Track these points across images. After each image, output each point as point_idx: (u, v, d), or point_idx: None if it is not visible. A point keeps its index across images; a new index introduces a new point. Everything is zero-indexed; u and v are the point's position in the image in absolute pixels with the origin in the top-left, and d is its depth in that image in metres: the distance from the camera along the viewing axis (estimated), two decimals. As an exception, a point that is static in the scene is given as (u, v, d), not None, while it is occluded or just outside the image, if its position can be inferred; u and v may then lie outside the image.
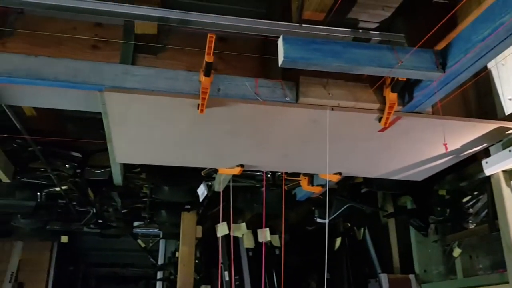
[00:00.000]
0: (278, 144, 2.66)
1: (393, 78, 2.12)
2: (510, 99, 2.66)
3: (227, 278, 4.94)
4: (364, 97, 2.25)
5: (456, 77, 1.98)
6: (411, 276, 4.55)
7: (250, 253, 5.14)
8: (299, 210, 5.23)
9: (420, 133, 2.49)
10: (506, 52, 2.80)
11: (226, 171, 3.09)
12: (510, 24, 1.61)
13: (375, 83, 2.25)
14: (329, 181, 3.41)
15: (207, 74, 1.97)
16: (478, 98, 2.76)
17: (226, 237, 4.77)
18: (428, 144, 2.65)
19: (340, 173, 3.19)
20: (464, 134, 2.50)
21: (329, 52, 1.90)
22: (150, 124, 2.32)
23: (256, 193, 4.47)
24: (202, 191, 3.53)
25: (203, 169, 3.30)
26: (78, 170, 3.35)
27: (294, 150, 2.74)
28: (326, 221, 4.61)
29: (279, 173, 3.82)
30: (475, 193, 3.57)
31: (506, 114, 2.56)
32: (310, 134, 2.46)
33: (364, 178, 4.00)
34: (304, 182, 3.64)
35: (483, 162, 2.48)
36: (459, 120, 2.34)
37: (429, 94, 2.08)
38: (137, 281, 9.00)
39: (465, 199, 3.66)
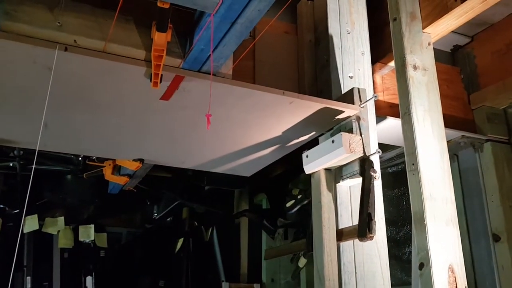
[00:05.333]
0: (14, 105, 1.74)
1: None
2: (350, 77, 2.01)
3: (29, 285, 3.90)
4: (121, 35, 1.42)
5: (243, 10, 1.22)
6: (256, 286, 3.99)
7: (66, 255, 4.12)
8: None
9: (223, 108, 1.74)
10: (354, 16, 2.18)
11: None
12: None
13: (145, 16, 1.44)
14: (134, 171, 2.60)
15: None
16: (315, 73, 2.09)
17: (36, 233, 3.87)
18: (238, 126, 1.92)
19: (141, 160, 2.37)
20: (284, 115, 1.79)
21: None
22: None
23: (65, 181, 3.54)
24: None
25: None
26: None
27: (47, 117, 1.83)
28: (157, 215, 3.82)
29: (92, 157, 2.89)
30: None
31: (344, 93, 1.91)
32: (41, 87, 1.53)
33: (193, 171, 3.22)
34: (108, 170, 2.77)
35: (304, 155, 1.78)
36: (266, 92, 1.60)
37: (207, 37, 1.30)
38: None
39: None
